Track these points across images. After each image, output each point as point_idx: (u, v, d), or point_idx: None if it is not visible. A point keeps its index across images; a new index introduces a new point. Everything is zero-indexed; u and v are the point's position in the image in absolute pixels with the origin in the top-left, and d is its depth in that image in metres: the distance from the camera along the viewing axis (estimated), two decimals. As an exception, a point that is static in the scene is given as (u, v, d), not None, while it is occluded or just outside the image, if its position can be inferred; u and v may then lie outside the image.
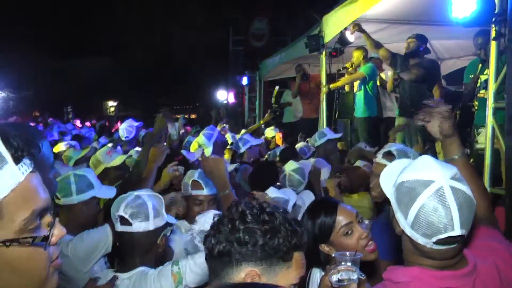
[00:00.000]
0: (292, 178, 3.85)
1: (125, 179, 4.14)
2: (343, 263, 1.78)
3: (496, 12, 3.81)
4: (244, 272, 1.38)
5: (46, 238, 0.97)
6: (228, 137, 6.25)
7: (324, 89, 7.58)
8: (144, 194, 2.24)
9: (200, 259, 2.03)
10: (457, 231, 1.42)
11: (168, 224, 2.27)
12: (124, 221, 2.17)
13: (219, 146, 6.46)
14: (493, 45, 4.02)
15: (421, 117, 2.03)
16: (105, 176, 4.17)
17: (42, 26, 22.12)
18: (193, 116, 21.41)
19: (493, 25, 3.92)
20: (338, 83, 7.56)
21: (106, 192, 2.93)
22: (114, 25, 22.12)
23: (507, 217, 3.45)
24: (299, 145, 6.13)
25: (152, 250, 2.20)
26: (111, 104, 27.13)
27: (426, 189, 1.44)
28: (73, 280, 2.58)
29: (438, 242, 1.45)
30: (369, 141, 6.46)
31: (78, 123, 12.96)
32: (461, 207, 1.43)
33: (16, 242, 0.92)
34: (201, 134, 6.24)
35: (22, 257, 0.94)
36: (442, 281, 1.50)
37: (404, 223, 1.49)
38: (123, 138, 6.72)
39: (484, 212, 1.87)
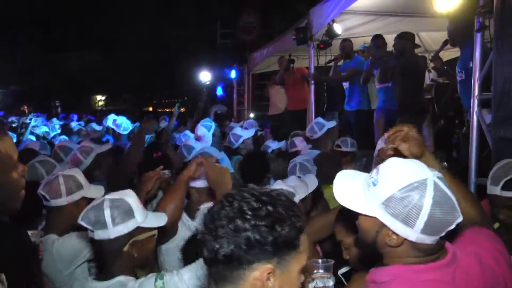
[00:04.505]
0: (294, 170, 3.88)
1: (112, 174, 4.09)
2: (317, 271, 1.78)
3: (480, 4, 3.83)
4: (258, 271, 1.29)
5: None
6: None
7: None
8: (107, 199, 2.08)
9: (186, 275, 1.94)
10: (460, 216, 1.42)
11: (142, 229, 2.09)
12: (87, 229, 2.06)
13: (218, 137, 6.47)
14: (477, 37, 4.05)
15: (389, 144, 1.98)
16: (96, 167, 4.08)
17: (30, 20, 21.86)
18: (182, 109, 21.31)
19: (476, 17, 3.95)
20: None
21: (95, 191, 2.84)
22: (102, 19, 21.93)
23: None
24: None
25: (121, 259, 2.05)
26: (100, 98, 26.95)
27: (427, 189, 1.41)
28: (51, 281, 2.55)
29: (445, 235, 1.45)
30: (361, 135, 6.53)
31: (75, 118, 12.77)
32: (452, 193, 1.44)
33: None
34: (200, 125, 6.26)
35: None
36: (423, 274, 1.49)
37: (409, 231, 1.44)
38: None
39: (477, 218, 1.85)
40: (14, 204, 1.57)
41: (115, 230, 2.01)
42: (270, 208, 1.30)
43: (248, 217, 1.28)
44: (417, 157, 1.90)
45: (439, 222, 1.41)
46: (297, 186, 2.94)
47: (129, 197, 2.12)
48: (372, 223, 1.51)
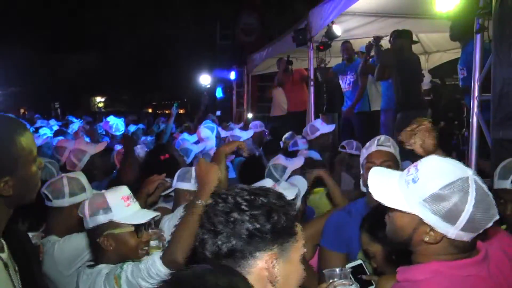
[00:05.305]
0: (270, 174, 3.74)
1: (112, 179, 4.08)
2: (333, 279, 1.80)
3: (480, 5, 3.83)
4: (262, 260, 1.34)
5: None
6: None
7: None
8: (92, 194, 2.32)
9: (138, 266, 2.04)
10: (497, 214, 1.43)
11: (117, 224, 2.19)
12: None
13: (218, 139, 6.49)
14: (476, 38, 4.06)
15: (404, 138, 2.02)
16: (93, 167, 4.11)
17: (29, 21, 21.84)
18: (181, 111, 21.29)
19: (476, 18, 3.96)
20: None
21: None
22: (101, 21, 21.92)
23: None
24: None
25: (100, 249, 2.21)
26: (99, 100, 26.94)
27: (469, 187, 1.41)
28: (54, 282, 2.57)
29: (483, 231, 1.46)
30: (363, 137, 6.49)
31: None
32: (490, 191, 1.45)
33: None
34: (202, 127, 6.26)
35: None
36: (462, 270, 1.50)
37: (450, 228, 1.43)
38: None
39: None
40: (32, 196, 1.63)
41: (91, 221, 2.20)
42: (263, 199, 1.36)
43: (244, 208, 1.33)
44: (429, 152, 1.93)
45: (479, 220, 1.41)
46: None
47: (114, 192, 2.29)
48: (409, 219, 1.50)
